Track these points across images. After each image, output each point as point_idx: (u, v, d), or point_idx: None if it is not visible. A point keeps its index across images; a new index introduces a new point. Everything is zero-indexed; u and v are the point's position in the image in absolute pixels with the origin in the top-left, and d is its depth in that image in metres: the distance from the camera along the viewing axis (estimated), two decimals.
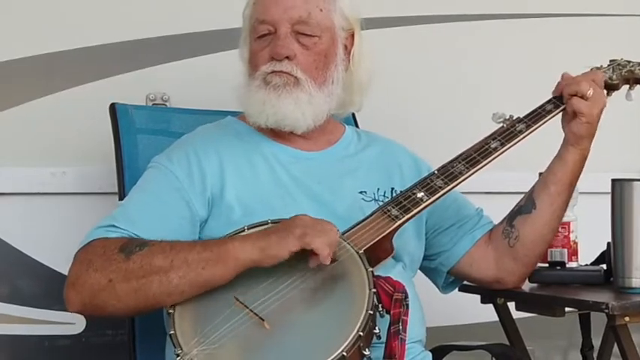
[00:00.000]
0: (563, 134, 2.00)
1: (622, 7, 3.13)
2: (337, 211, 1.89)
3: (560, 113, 1.99)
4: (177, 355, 1.62)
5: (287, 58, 1.90)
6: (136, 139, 2.18)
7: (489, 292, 2.20)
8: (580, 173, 2.02)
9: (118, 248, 1.72)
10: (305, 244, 1.64)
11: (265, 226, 1.76)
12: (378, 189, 1.98)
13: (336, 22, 1.96)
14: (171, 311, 1.69)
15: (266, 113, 1.90)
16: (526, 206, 2.03)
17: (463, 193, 2.11)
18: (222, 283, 1.68)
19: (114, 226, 1.79)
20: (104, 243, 1.75)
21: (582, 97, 1.95)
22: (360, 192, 1.97)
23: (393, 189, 1.96)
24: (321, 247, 1.64)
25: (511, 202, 2.07)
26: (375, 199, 1.95)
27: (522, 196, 2.07)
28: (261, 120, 1.92)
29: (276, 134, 1.95)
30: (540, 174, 2.06)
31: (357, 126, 2.31)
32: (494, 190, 2.64)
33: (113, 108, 2.18)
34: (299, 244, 1.65)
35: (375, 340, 1.65)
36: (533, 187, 2.04)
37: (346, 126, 2.10)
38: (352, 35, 2.00)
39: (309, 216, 1.70)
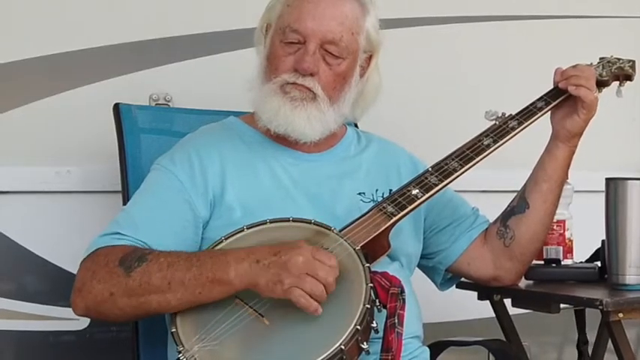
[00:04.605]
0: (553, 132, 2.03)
1: (617, 9, 3.14)
2: (336, 213, 1.90)
3: (550, 111, 2.01)
4: (179, 352, 1.64)
5: (310, 74, 1.90)
6: (139, 139, 2.19)
7: (486, 289, 2.22)
8: (569, 168, 2.04)
9: (119, 261, 1.74)
10: (290, 298, 1.64)
11: (264, 226, 1.79)
12: (377, 190, 1.99)
13: (360, 45, 1.96)
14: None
15: (277, 122, 1.91)
16: (519, 206, 2.05)
17: (458, 191, 2.12)
18: (219, 300, 1.70)
19: (118, 233, 1.81)
20: (107, 253, 1.77)
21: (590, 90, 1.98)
22: (359, 193, 1.98)
23: (391, 190, 1.96)
24: (305, 304, 1.63)
25: (506, 200, 2.09)
26: (373, 200, 1.96)
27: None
28: (270, 126, 1.92)
29: (279, 136, 1.96)
30: None
31: (356, 127, 2.33)
32: (489, 189, 2.65)
33: (117, 108, 2.20)
34: (284, 296, 1.64)
35: (372, 334, 1.67)
36: (524, 186, 2.06)
37: (347, 127, 2.11)
38: (370, 57, 2.01)
39: (306, 254, 1.66)
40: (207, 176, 1.90)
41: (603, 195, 2.14)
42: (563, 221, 2.29)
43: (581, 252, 2.34)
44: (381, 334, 1.70)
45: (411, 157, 2.13)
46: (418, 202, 1.86)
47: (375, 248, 1.81)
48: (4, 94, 2.34)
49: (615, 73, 2.12)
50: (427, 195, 1.87)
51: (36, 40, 2.37)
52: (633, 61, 2.17)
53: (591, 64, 2.10)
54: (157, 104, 2.46)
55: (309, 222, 1.78)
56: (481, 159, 1.93)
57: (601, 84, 2.09)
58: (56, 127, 2.38)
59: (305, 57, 1.90)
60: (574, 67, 2.03)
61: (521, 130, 1.98)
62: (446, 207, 2.10)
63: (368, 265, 1.71)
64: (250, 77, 1.98)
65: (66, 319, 2.34)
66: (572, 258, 2.32)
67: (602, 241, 2.19)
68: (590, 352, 2.49)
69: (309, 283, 1.63)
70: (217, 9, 2.55)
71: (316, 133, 1.93)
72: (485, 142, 1.95)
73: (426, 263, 2.13)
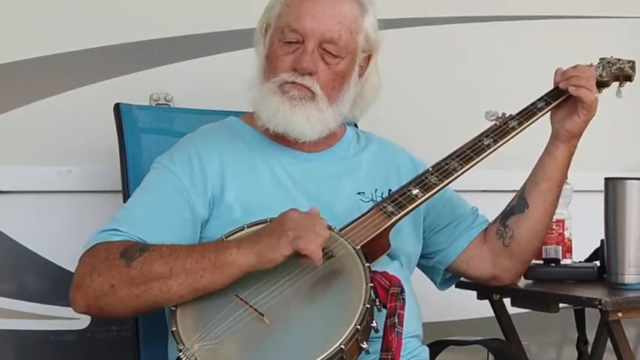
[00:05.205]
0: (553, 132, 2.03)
1: (617, 9, 3.15)
2: (336, 212, 1.90)
3: (550, 111, 2.02)
4: (180, 351, 1.65)
5: (309, 73, 1.91)
6: (139, 139, 2.20)
7: (485, 289, 2.23)
8: (568, 169, 2.05)
9: (120, 253, 1.74)
10: (298, 248, 1.66)
11: (264, 225, 1.78)
12: (376, 190, 2.00)
13: (359, 44, 1.97)
14: (173, 309, 1.72)
15: (276, 122, 1.92)
16: (518, 206, 2.05)
17: (458, 191, 2.13)
18: (221, 287, 1.71)
19: (117, 229, 1.81)
20: (107, 247, 1.77)
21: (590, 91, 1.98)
22: (358, 193, 1.99)
23: (390, 190, 1.97)
24: (313, 251, 1.66)
25: (506, 200, 2.09)
26: (372, 200, 1.97)
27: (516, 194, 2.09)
28: (270, 125, 1.93)
29: (278, 136, 1.96)
30: None
31: (355, 127, 2.33)
32: (489, 189, 2.66)
33: (117, 108, 2.20)
34: (292, 248, 1.67)
35: (372, 333, 1.68)
36: (524, 186, 2.06)
37: (347, 127, 2.11)
38: (369, 57, 2.02)
39: (298, 211, 1.72)
40: (206, 175, 1.90)
41: (602, 195, 2.14)
42: (563, 221, 2.29)
43: (581, 251, 2.34)
44: (380, 333, 1.71)
45: (410, 158, 2.13)
46: (418, 201, 1.87)
47: (375, 248, 1.82)
48: (6, 94, 2.34)
49: (615, 73, 2.13)
50: (427, 195, 1.88)
51: (37, 40, 2.37)
52: (633, 62, 2.17)
53: (591, 64, 2.10)
54: (157, 104, 2.47)
55: None
56: (481, 159, 1.94)
57: (601, 84, 2.09)
58: (57, 127, 2.39)
59: (304, 56, 1.90)
60: (574, 67, 2.04)
61: (522, 130, 1.98)
62: (445, 207, 2.11)
63: (368, 264, 1.72)
64: (250, 77, 1.99)
65: (67, 319, 2.34)
66: (571, 257, 2.32)
67: (602, 240, 2.20)
68: (589, 351, 2.49)
69: (311, 233, 1.66)
70: (218, 9, 2.55)
71: (315, 132, 1.94)
72: (486, 142, 1.96)
73: (426, 263, 2.13)
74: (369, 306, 1.66)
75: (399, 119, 2.64)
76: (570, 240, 2.32)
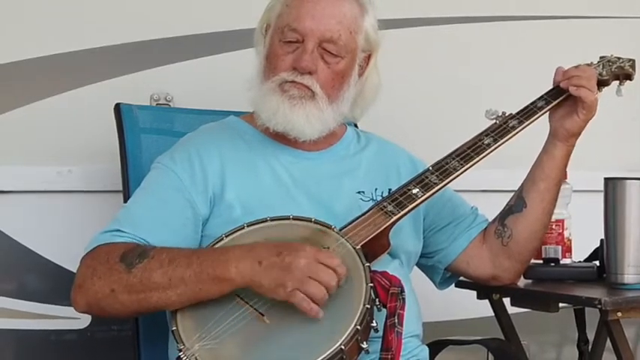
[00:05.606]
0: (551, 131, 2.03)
1: (617, 9, 3.15)
2: (335, 211, 1.91)
3: (549, 111, 2.02)
4: (180, 351, 1.65)
5: (309, 72, 1.91)
6: (140, 139, 2.20)
7: (485, 288, 2.23)
8: (566, 167, 2.05)
9: (120, 257, 1.75)
10: (292, 302, 1.64)
11: (264, 224, 1.79)
12: (376, 189, 2.00)
13: (359, 44, 1.97)
14: None
15: (276, 121, 1.92)
16: (516, 205, 2.05)
17: (457, 191, 2.13)
18: (221, 296, 1.71)
19: (119, 230, 1.82)
20: (108, 249, 1.78)
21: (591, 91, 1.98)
22: (358, 192, 1.99)
23: (390, 190, 1.97)
24: (307, 308, 1.64)
25: (505, 200, 2.09)
26: (372, 199, 1.97)
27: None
28: (269, 125, 1.93)
29: (278, 135, 1.97)
30: None
31: (356, 127, 2.33)
32: (488, 188, 2.65)
33: (118, 108, 2.20)
34: (287, 299, 1.65)
35: (372, 333, 1.68)
36: (522, 185, 2.06)
37: (347, 126, 2.12)
38: (369, 56, 2.02)
39: (308, 255, 1.67)
40: (207, 174, 1.91)
41: (602, 195, 2.14)
42: (562, 221, 2.30)
43: (580, 251, 2.34)
44: (380, 333, 1.70)
45: (410, 158, 2.14)
46: (418, 201, 1.87)
47: (375, 247, 1.81)
48: (6, 94, 2.35)
49: (615, 72, 2.12)
50: (427, 194, 1.88)
51: (37, 41, 2.38)
52: (633, 60, 2.17)
53: (591, 63, 2.10)
54: (157, 104, 2.48)
55: (309, 220, 1.79)
56: (481, 158, 1.94)
57: (601, 83, 2.09)
58: (57, 127, 2.40)
59: (303, 55, 1.91)
60: (576, 67, 2.04)
61: (522, 129, 1.98)
62: (445, 206, 2.11)
63: (368, 264, 1.72)
64: (250, 77, 1.99)
65: (67, 318, 2.35)
66: (570, 257, 2.32)
67: (601, 240, 2.20)
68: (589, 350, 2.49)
69: (312, 287, 1.64)
70: (218, 9, 2.56)
71: (315, 131, 1.94)
72: (486, 142, 1.96)
73: (426, 262, 2.14)
74: (369, 306, 1.66)
75: (399, 119, 2.65)
76: (570, 240, 2.32)
